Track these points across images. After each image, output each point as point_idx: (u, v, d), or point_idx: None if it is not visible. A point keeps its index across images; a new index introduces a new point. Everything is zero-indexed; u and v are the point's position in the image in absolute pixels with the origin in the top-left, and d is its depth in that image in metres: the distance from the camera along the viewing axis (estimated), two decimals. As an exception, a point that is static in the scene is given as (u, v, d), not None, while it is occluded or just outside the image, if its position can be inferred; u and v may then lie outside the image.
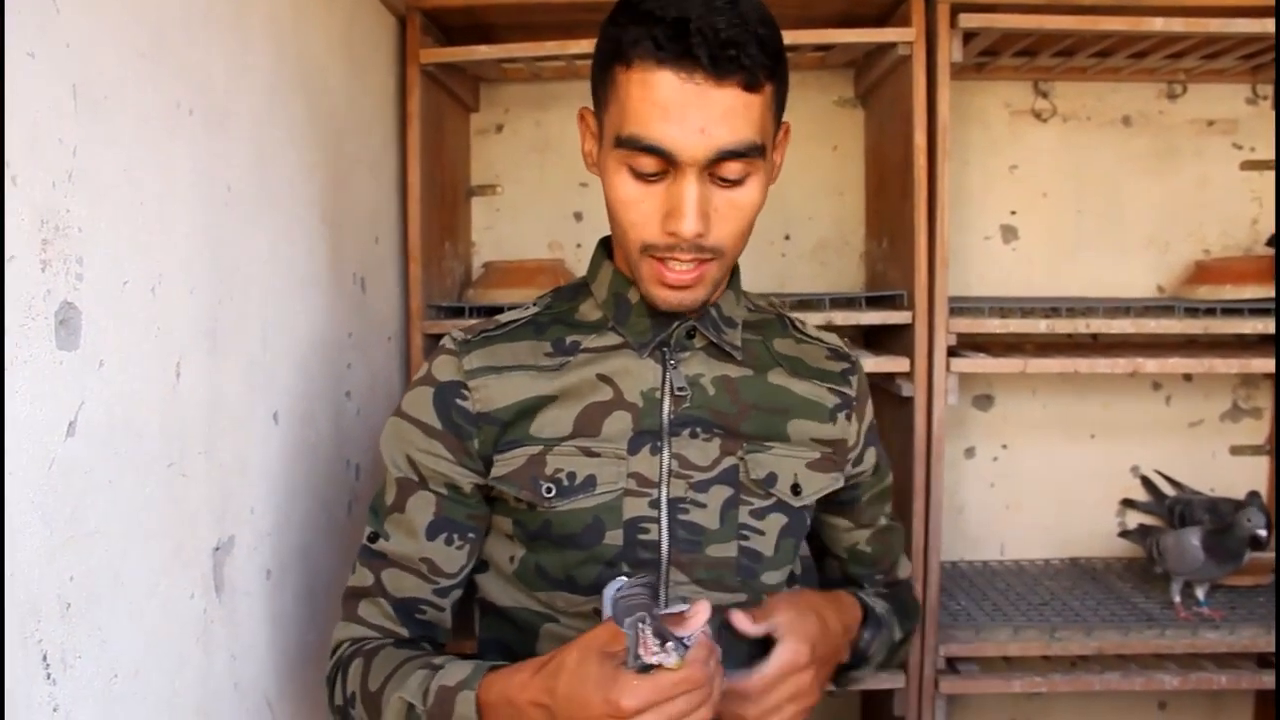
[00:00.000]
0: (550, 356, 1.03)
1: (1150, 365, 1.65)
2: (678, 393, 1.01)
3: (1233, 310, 1.69)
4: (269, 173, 1.15)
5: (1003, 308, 1.72)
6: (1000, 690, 1.69)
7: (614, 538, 0.99)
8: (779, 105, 0.96)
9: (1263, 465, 2.01)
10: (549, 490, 0.98)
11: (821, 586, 1.20)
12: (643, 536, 0.99)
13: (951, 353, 1.63)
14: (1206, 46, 1.72)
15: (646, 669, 0.80)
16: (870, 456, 1.14)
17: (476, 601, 1.10)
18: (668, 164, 0.90)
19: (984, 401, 2.02)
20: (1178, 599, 1.71)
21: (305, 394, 1.25)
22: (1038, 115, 1.98)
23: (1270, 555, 1.78)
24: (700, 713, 0.82)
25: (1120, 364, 1.65)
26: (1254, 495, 1.70)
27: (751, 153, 0.90)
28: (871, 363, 1.64)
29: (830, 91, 1.98)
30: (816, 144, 1.98)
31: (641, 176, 0.92)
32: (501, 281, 1.81)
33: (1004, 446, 2.02)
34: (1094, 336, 1.94)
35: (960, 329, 1.64)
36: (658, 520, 0.99)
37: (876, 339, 1.86)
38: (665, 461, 1.00)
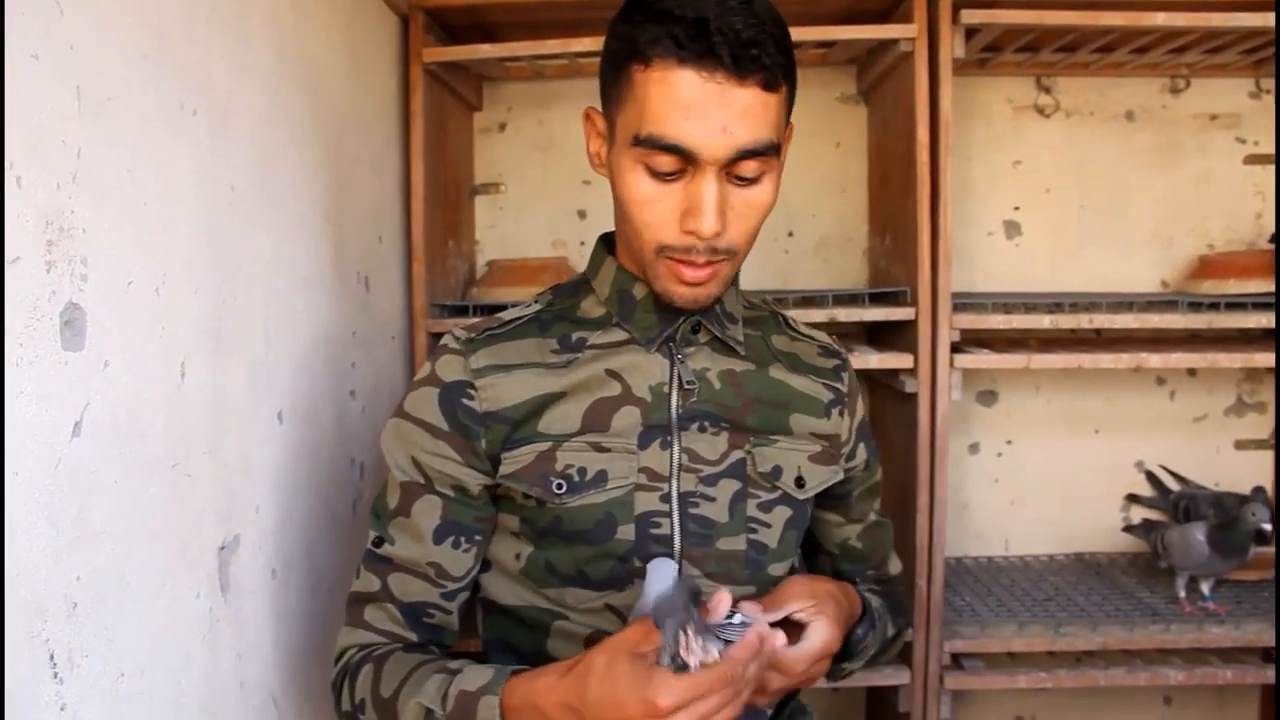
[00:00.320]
0: (557, 353, 1.03)
1: (1154, 360, 1.65)
2: (686, 386, 1.01)
3: (1236, 305, 1.69)
4: (272, 172, 1.15)
5: (1006, 303, 1.72)
6: (1005, 686, 1.69)
7: (626, 532, 0.99)
8: (790, 105, 0.96)
9: (1267, 460, 2.00)
10: (560, 486, 0.98)
11: None
12: (654, 531, 0.99)
13: (955, 349, 1.64)
14: (1209, 41, 1.72)
15: (682, 667, 0.79)
16: (861, 452, 1.14)
17: (479, 601, 1.10)
18: (686, 163, 0.90)
19: (988, 397, 2.02)
20: (1183, 594, 1.71)
21: (309, 393, 1.26)
22: (1040, 111, 1.98)
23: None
24: (729, 709, 0.81)
25: (1124, 359, 1.65)
26: (1259, 490, 1.70)
27: (769, 151, 0.91)
28: (875, 359, 1.64)
29: (833, 88, 1.98)
30: (819, 141, 1.98)
31: (658, 176, 0.92)
32: (505, 280, 1.81)
33: (1008, 442, 2.02)
34: (1098, 332, 1.94)
35: (964, 325, 1.64)
36: (669, 514, 1.00)
37: (880, 335, 1.86)
38: (675, 456, 1.00)
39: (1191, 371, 2.01)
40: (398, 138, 1.68)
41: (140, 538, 0.86)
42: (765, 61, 0.88)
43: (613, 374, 1.01)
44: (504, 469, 0.99)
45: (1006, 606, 1.73)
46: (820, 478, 1.07)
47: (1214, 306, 1.69)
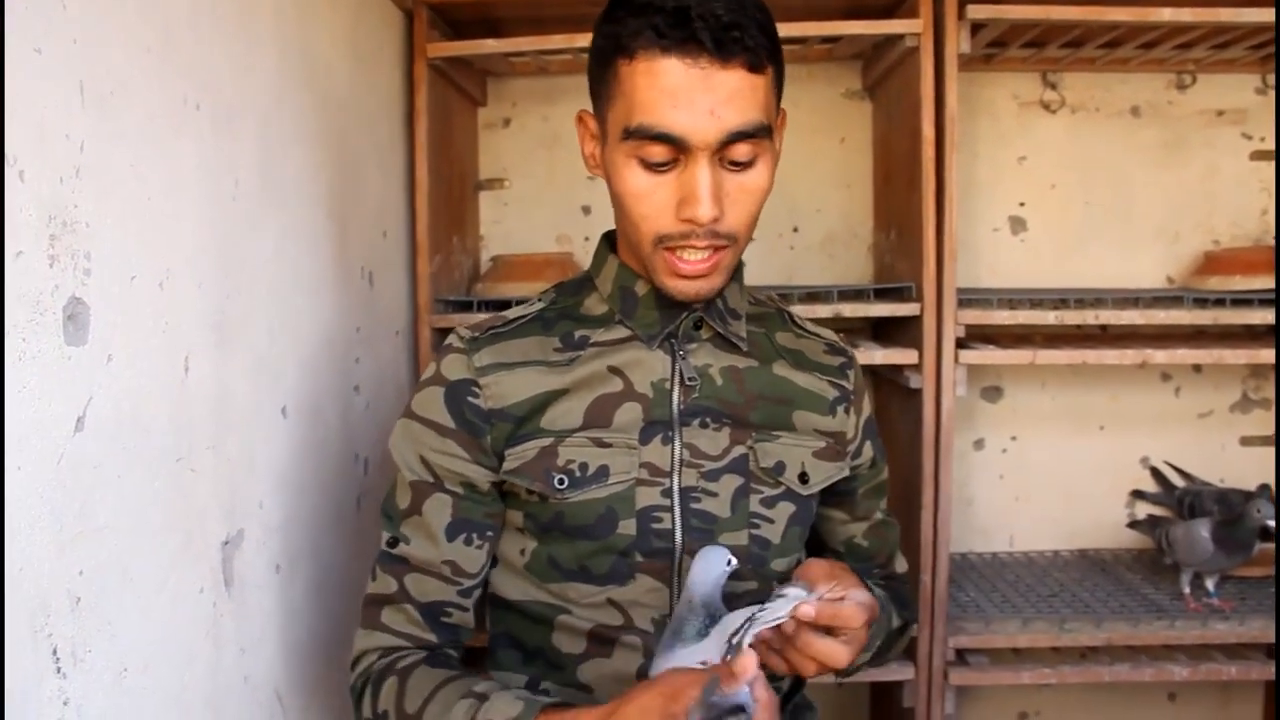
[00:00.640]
0: (560, 352, 1.03)
1: (1159, 356, 1.64)
2: (688, 382, 1.02)
3: (1242, 301, 1.68)
4: (276, 168, 1.15)
5: (1011, 299, 1.71)
6: (1009, 681, 1.68)
7: (627, 527, 0.99)
8: (779, 89, 0.97)
9: (1272, 456, 2.00)
10: (561, 481, 0.98)
11: None
12: (656, 526, 0.99)
13: (960, 344, 1.63)
14: (1215, 36, 1.71)
15: None
16: (868, 450, 1.14)
17: (486, 596, 1.10)
18: (678, 151, 0.91)
19: (993, 393, 2.02)
20: (1187, 590, 1.71)
21: (313, 388, 1.26)
22: (1046, 106, 1.98)
23: (1281, 546, 1.77)
24: None
25: (1129, 355, 1.64)
26: (1264, 487, 1.69)
27: (760, 133, 0.92)
28: (880, 355, 1.64)
29: (838, 84, 1.97)
30: (824, 136, 1.97)
31: (651, 167, 0.92)
32: (510, 275, 1.81)
33: (1013, 438, 2.02)
34: (1103, 328, 1.93)
35: (969, 321, 1.63)
36: (671, 509, 1.00)
37: (885, 331, 1.86)
38: (677, 451, 1.01)
39: (1197, 368, 2.01)
40: (402, 133, 1.68)
41: (144, 533, 0.86)
42: (748, 43, 0.89)
43: (615, 370, 1.02)
44: (507, 465, 1.00)
45: (1011, 602, 1.73)
46: (825, 473, 1.07)
47: (1219, 302, 1.68)
